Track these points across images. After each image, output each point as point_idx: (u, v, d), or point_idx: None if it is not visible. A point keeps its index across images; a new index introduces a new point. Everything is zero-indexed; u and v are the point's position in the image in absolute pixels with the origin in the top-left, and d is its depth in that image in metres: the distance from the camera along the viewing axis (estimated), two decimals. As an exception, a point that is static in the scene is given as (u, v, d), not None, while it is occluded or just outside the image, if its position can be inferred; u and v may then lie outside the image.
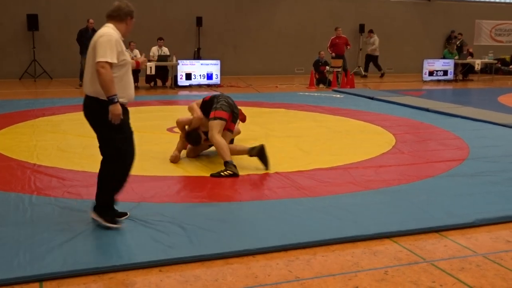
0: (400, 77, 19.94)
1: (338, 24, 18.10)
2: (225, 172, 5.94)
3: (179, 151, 6.72)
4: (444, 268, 3.80)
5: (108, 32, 4.27)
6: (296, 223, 4.52)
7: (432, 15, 22.02)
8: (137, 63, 4.89)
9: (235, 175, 5.93)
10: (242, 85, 16.33)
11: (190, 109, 6.71)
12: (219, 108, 6.31)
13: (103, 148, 4.42)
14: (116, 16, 4.45)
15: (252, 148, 6.32)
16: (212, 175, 5.91)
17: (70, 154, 6.86)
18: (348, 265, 3.84)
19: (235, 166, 6.06)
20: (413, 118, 10.02)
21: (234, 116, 6.51)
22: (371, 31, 19.54)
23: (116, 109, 4.13)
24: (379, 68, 19.49)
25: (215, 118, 6.25)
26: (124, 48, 4.35)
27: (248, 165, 6.41)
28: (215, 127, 6.21)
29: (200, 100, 6.72)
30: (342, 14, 20.44)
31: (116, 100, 4.12)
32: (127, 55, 4.38)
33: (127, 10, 4.47)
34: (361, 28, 20.78)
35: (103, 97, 4.17)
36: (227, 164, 6.04)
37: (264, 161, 6.26)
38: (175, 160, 6.58)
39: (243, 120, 7.51)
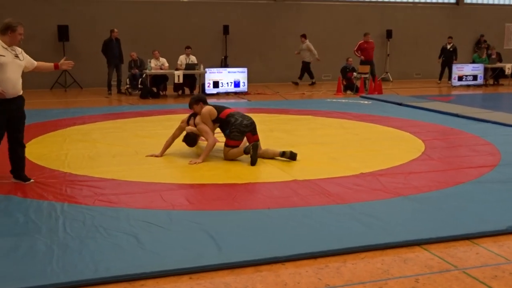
0: (429, 82, 19.74)
1: (365, 29, 18.00)
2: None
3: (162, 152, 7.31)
4: (476, 276, 3.75)
5: None
6: (325, 230, 4.51)
7: (460, 19, 21.77)
8: (56, 65, 6.39)
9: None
10: (269, 92, 16.37)
11: (203, 132, 7.18)
12: (232, 137, 7.04)
13: None
14: (1, 31, 5.72)
15: (283, 152, 7.07)
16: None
17: (100, 163, 6.95)
18: (378, 272, 3.81)
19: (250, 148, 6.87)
20: (442, 124, 9.90)
21: (252, 131, 7.13)
22: (303, 36, 18.23)
23: None
24: (311, 75, 18.52)
25: (227, 145, 7.07)
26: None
27: (276, 172, 6.42)
28: (233, 153, 7.05)
29: (215, 113, 7.16)
30: (368, 20, 20.34)
31: None
32: (2, 60, 5.61)
33: (8, 25, 5.68)
34: (388, 33, 20.64)
35: None
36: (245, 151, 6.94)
37: (291, 156, 7.01)
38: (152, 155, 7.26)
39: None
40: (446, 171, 6.53)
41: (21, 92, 5.90)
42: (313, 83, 18.57)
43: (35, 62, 6.19)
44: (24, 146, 6.06)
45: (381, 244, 4.24)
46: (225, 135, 7.14)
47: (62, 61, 6.45)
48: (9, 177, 6.10)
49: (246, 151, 6.94)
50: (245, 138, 7.22)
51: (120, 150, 7.67)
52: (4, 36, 5.71)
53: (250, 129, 7.07)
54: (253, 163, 6.79)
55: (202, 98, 7.41)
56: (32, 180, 6.00)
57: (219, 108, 7.25)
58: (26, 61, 5.98)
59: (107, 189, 5.71)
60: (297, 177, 6.13)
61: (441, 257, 4.07)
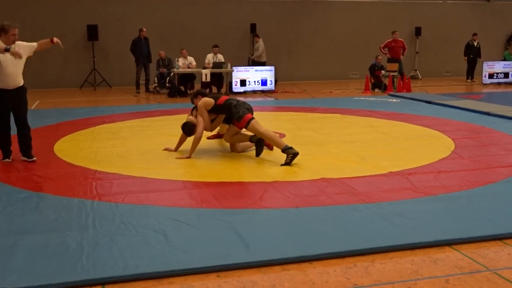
0: (458, 80, 19.46)
1: (393, 27, 17.82)
2: (288, 159, 6.62)
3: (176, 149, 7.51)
4: (508, 278, 3.68)
5: None
6: (354, 230, 4.48)
7: (491, 16, 21.39)
8: (51, 39, 6.93)
9: (295, 155, 6.63)
10: (296, 91, 16.33)
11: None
12: (243, 114, 6.98)
13: None
14: None
15: (253, 135, 7.12)
16: (282, 165, 6.60)
17: (129, 161, 7.02)
18: (407, 273, 3.77)
19: (291, 147, 6.68)
20: (472, 122, 9.75)
21: (252, 112, 7.20)
22: (256, 35, 17.38)
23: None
24: None
25: (248, 123, 6.94)
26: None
27: (304, 171, 6.41)
28: (255, 127, 6.93)
29: (211, 102, 7.19)
30: (396, 18, 20.12)
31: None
32: (1, 58, 6.59)
33: (1, 28, 6.57)
34: (417, 31, 20.39)
35: None
36: (284, 150, 6.67)
37: (259, 150, 7.08)
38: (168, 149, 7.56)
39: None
40: (476, 170, 6.44)
41: (21, 83, 6.88)
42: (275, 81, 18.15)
43: (35, 44, 6.97)
44: (29, 128, 7.05)
45: (411, 244, 4.20)
46: (234, 119, 7.07)
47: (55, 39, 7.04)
48: (39, 175, 6.30)
49: (252, 140, 7.15)
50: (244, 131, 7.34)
51: (148, 148, 7.74)
52: (1, 37, 6.61)
53: (252, 111, 7.16)
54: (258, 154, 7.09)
55: (200, 92, 7.70)
56: (35, 159, 6.95)
57: (216, 96, 7.37)
58: (25, 51, 6.79)
59: (136, 187, 5.77)
60: (325, 176, 6.10)
61: (472, 257, 4.01)
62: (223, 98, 7.27)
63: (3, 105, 6.77)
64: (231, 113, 7.10)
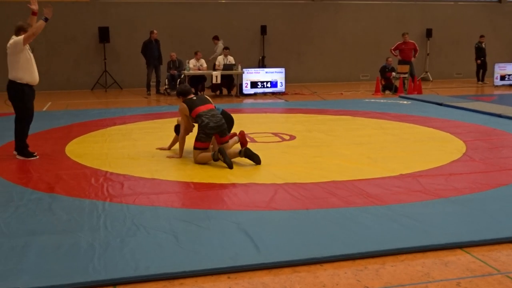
0: (469, 82, 19.36)
1: (404, 29, 17.77)
2: (223, 159, 6.71)
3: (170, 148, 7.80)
4: (520, 281, 3.67)
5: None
6: (364, 232, 4.47)
7: (503, 17, 21.28)
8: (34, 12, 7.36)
9: (222, 160, 6.73)
10: (306, 93, 16.32)
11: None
12: (198, 139, 6.98)
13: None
14: (15, 33, 7.10)
15: (240, 151, 6.92)
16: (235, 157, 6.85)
17: (140, 162, 7.05)
18: (418, 275, 3.76)
19: (216, 155, 6.78)
20: (484, 125, 9.70)
21: (219, 133, 7.06)
22: (215, 38, 17.08)
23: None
24: None
25: (194, 147, 7.00)
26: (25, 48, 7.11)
27: (314, 173, 6.40)
28: (194, 155, 6.99)
29: (187, 112, 7.13)
30: (407, 19, 20.07)
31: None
32: (30, 54, 7.16)
33: (20, 27, 7.10)
34: (428, 32, 20.32)
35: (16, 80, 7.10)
36: (216, 160, 6.78)
37: (255, 159, 6.84)
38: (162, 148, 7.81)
39: (245, 143, 7.56)
40: (488, 172, 6.40)
41: None
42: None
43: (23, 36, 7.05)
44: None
45: (422, 246, 4.18)
46: (195, 139, 7.05)
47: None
48: (51, 176, 6.34)
49: (214, 158, 6.80)
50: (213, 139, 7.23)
51: (159, 150, 7.77)
52: (20, 35, 6.99)
53: (217, 131, 7.00)
54: (230, 166, 6.63)
55: (182, 92, 7.46)
56: (37, 156, 7.23)
57: (192, 106, 7.10)
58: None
59: (147, 188, 5.79)
60: (335, 178, 6.10)
61: (484, 260, 3.99)
62: (198, 109, 7.02)
63: (30, 101, 7.20)
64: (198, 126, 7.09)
